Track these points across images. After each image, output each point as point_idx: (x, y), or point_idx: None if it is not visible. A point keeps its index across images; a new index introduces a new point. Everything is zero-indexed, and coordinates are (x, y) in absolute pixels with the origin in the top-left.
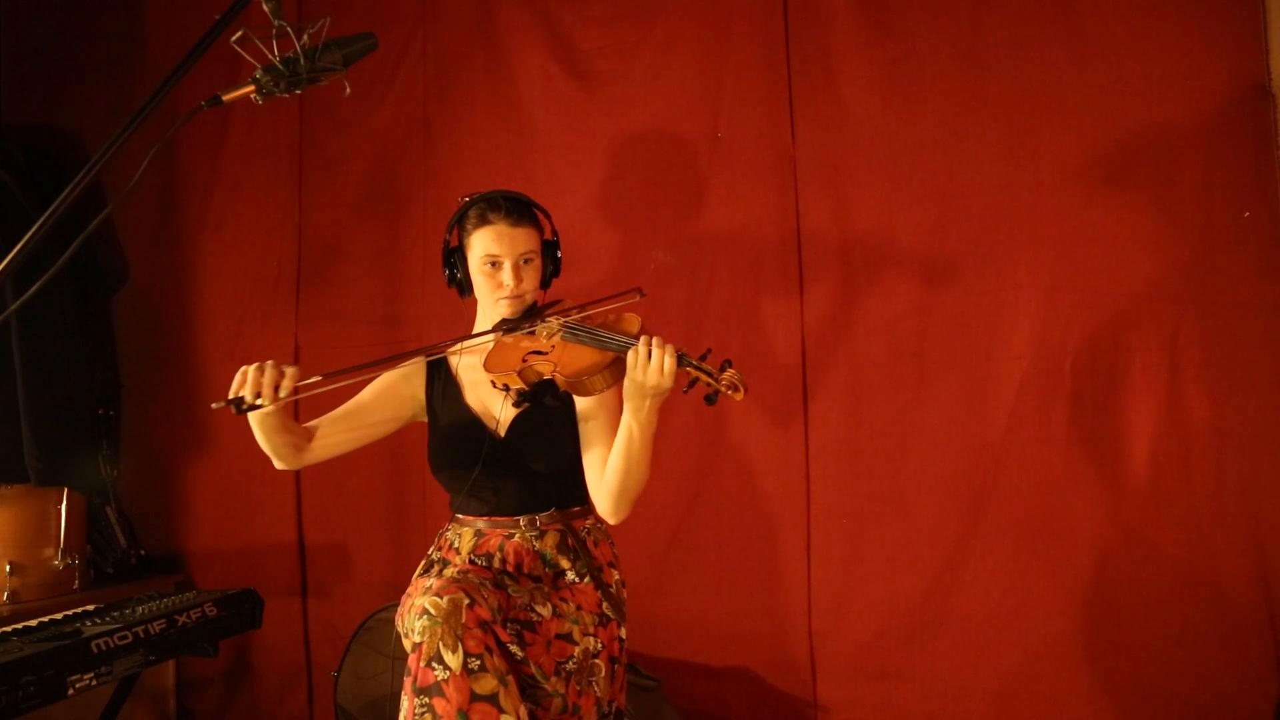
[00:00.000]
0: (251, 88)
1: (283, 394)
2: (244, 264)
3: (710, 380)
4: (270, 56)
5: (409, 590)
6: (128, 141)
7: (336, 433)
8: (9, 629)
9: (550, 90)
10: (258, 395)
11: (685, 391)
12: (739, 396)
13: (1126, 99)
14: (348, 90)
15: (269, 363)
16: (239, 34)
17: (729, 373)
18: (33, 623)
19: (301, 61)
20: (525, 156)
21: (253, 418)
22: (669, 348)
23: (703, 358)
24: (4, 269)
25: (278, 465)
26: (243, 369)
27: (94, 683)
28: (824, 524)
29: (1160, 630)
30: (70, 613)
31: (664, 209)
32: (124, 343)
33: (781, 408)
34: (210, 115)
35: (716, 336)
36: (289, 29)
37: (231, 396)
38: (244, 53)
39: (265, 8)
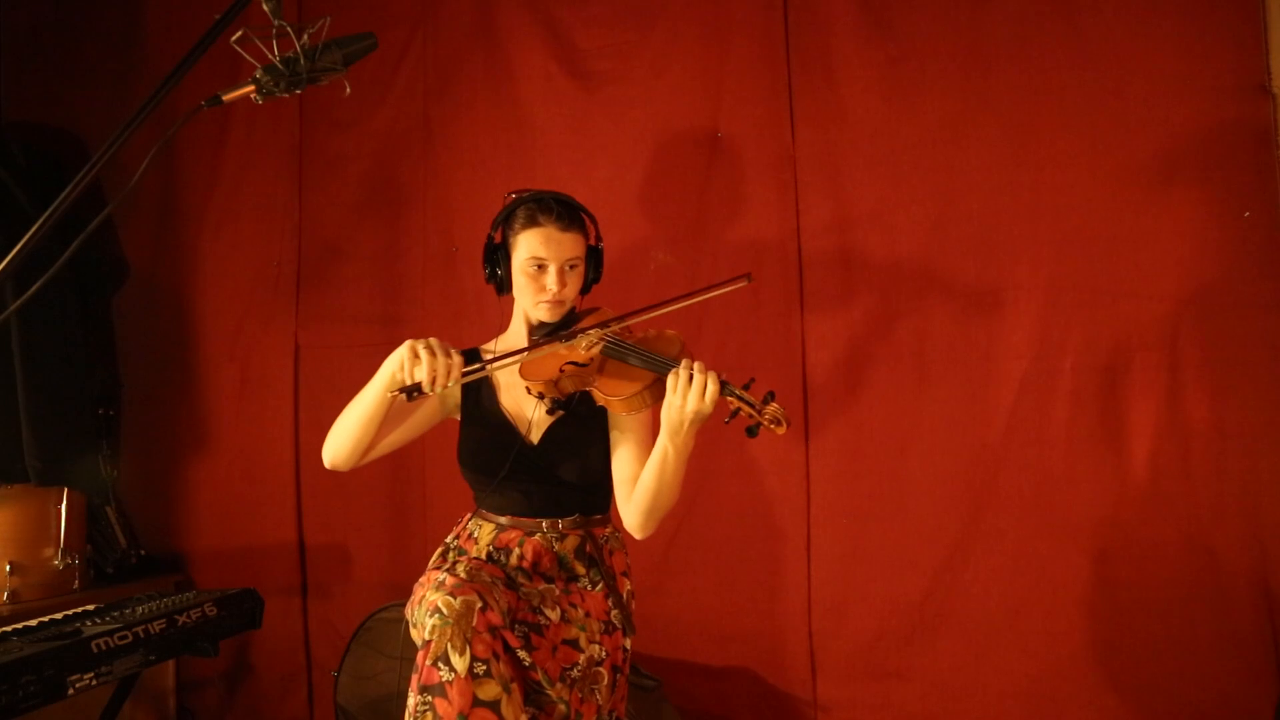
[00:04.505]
0: (251, 88)
1: (451, 383)
2: (244, 264)
3: (753, 412)
4: (270, 56)
5: (422, 579)
6: (128, 141)
7: (387, 432)
8: (9, 629)
9: (550, 90)
10: (433, 383)
11: (726, 422)
12: (781, 431)
13: (1126, 99)
14: (348, 90)
15: (436, 343)
16: (239, 34)
17: (773, 406)
18: (33, 623)
19: (301, 61)
20: (525, 156)
21: (380, 402)
22: (712, 374)
23: (746, 387)
24: (4, 269)
25: (338, 460)
26: (411, 346)
27: (94, 683)
28: (824, 524)
29: (1160, 630)
30: (70, 613)
31: (664, 209)
32: (124, 343)
33: (781, 407)
34: (210, 115)
35: (717, 336)
36: (289, 29)
37: (408, 384)
38: (244, 53)
39: (265, 8)
